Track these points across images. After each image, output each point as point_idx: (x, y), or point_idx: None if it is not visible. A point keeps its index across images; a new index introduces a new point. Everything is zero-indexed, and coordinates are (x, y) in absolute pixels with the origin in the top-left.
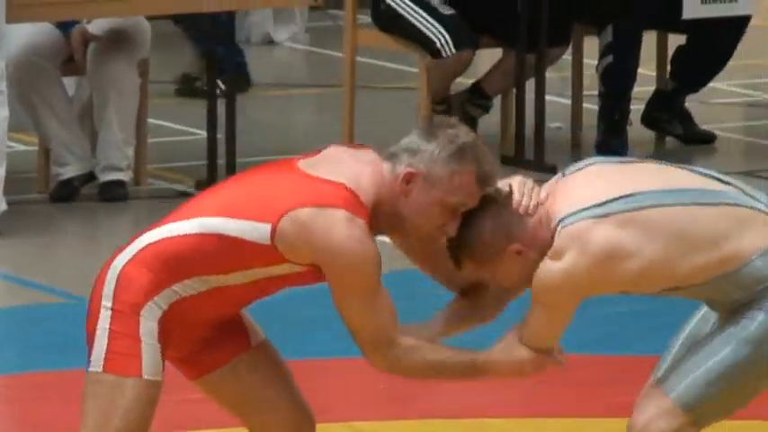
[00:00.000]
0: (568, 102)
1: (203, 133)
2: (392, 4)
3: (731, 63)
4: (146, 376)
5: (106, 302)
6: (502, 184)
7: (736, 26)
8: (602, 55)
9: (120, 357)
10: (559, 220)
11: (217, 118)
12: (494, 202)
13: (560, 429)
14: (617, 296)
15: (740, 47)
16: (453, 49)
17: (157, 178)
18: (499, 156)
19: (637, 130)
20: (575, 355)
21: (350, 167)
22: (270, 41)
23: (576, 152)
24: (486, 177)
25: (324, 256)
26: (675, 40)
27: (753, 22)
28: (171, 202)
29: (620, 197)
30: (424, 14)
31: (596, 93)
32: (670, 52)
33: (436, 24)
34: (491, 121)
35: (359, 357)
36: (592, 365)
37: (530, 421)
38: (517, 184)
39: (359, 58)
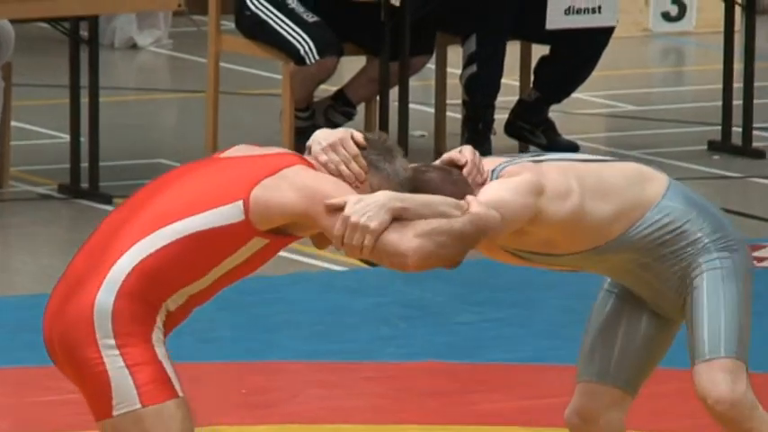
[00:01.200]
0: (432, 110)
1: (67, 137)
2: (256, 10)
3: (594, 74)
4: (180, 394)
5: (107, 341)
6: (454, 152)
7: (599, 37)
8: (466, 64)
9: (154, 386)
10: (492, 170)
11: (80, 121)
12: (449, 173)
13: None
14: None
15: (603, 58)
16: (317, 56)
17: (20, 181)
18: None
19: (500, 138)
20: (433, 362)
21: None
22: (133, 45)
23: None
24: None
25: (304, 201)
26: (539, 51)
27: (616, 33)
28: (33, 204)
29: (541, 157)
30: (288, 21)
31: (460, 102)
32: (533, 62)
33: (300, 31)
34: (356, 126)
35: (222, 362)
36: (452, 373)
37: (391, 428)
38: (469, 154)
39: (222, 64)
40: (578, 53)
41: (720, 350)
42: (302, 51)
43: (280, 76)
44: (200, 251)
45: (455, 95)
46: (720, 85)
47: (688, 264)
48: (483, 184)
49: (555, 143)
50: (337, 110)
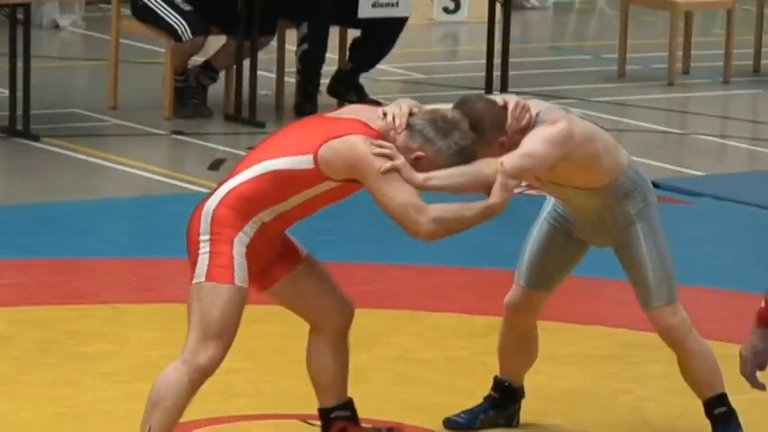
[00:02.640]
0: (274, 76)
1: (6, 91)
2: (146, 1)
3: (393, 50)
4: (237, 283)
5: (204, 236)
6: (500, 99)
7: (398, 23)
8: (300, 43)
9: (218, 269)
10: (536, 114)
11: (16, 80)
12: (493, 104)
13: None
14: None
15: (399, 39)
16: (190, 36)
17: None
18: (224, 114)
19: (324, 98)
20: None
21: (368, 112)
22: (56, 26)
23: (279, 113)
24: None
25: (355, 167)
26: (352, 33)
27: (409, 22)
28: None
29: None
30: (170, 9)
31: (295, 70)
32: (348, 42)
33: (178, 17)
34: (218, 88)
35: (119, 257)
36: None
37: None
38: (513, 102)
39: (121, 40)
40: (382, 35)
41: (666, 297)
42: (179, 32)
43: (163, 50)
44: (279, 184)
45: (291, 66)
46: (484, 61)
47: (636, 211)
48: (527, 127)
49: (363, 101)
50: (205, 75)
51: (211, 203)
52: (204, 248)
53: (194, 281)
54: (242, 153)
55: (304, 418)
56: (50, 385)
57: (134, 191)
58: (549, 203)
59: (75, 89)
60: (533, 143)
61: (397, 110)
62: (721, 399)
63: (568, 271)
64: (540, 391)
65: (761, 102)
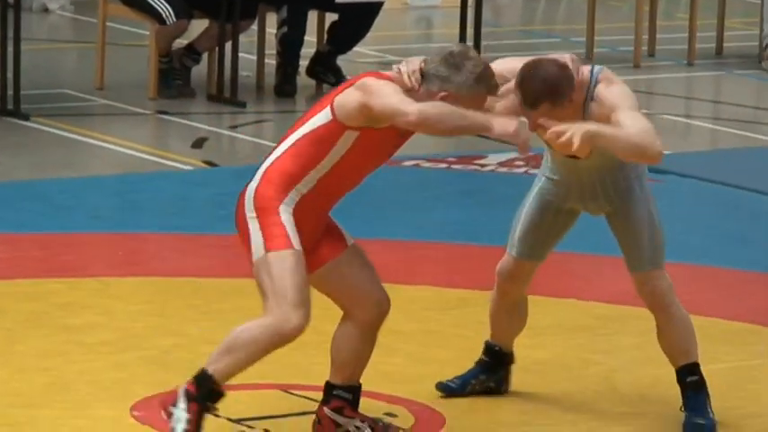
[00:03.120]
0: (255, 58)
1: None
2: None
3: (369, 34)
4: (296, 247)
5: (250, 214)
6: (559, 56)
7: (374, 8)
8: (279, 26)
9: (275, 238)
10: (590, 71)
11: (6, 62)
12: (567, 67)
13: None
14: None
15: (375, 23)
16: (174, 19)
17: None
18: (206, 94)
19: (303, 79)
20: None
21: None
22: (45, 10)
23: (259, 93)
24: (491, 88)
25: (362, 94)
26: (330, 17)
27: (384, 6)
28: None
29: None
30: None
31: (275, 52)
32: (326, 25)
33: (163, 2)
34: (201, 69)
35: (105, 232)
36: None
37: (225, 280)
38: (570, 60)
39: (108, 24)
40: (358, 19)
41: (657, 262)
42: (164, 15)
43: (148, 32)
44: (310, 147)
45: (271, 48)
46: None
47: (636, 175)
48: (581, 82)
49: (340, 82)
50: (188, 57)
51: (252, 185)
52: (254, 225)
53: (255, 257)
54: (224, 132)
55: (284, 388)
56: (40, 356)
57: (120, 168)
58: (541, 178)
59: (64, 70)
60: (630, 99)
61: (408, 67)
62: (694, 367)
63: (558, 240)
64: (515, 361)
65: (723, 83)
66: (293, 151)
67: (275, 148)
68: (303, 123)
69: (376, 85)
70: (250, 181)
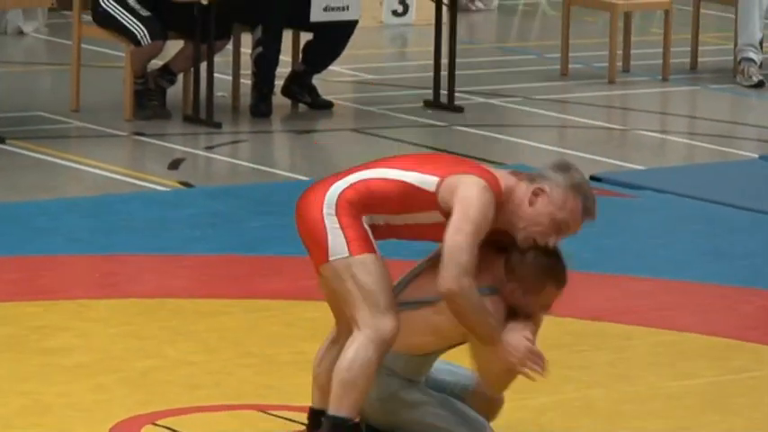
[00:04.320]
0: (230, 78)
1: None
2: (106, 7)
3: (344, 52)
4: (378, 252)
5: (329, 210)
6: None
7: (348, 26)
8: (255, 46)
9: (359, 242)
10: None
11: None
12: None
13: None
14: (258, 216)
15: (350, 42)
16: (149, 40)
17: None
18: (182, 115)
19: (278, 99)
20: (231, 255)
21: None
22: (20, 32)
23: (235, 114)
24: (588, 210)
25: (459, 197)
26: (305, 36)
27: (359, 25)
28: None
29: None
30: (129, 15)
31: (250, 72)
32: (302, 44)
33: (137, 22)
34: (176, 90)
35: (82, 254)
36: (242, 263)
37: (203, 301)
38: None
39: (83, 45)
40: (333, 38)
41: None
42: (138, 36)
43: (123, 54)
44: (400, 195)
45: (246, 68)
46: (432, 61)
47: None
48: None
49: (316, 101)
50: (163, 78)
51: (341, 185)
52: (333, 223)
53: (333, 257)
54: (200, 153)
55: (262, 409)
56: (17, 379)
57: (96, 190)
58: None
59: (39, 93)
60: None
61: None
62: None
63: None
64: None
65: (698, 98)
66: (390, 185)
67: (376, 163)
68: (415, 165)
69: (473, 215)
70: (337, 178)
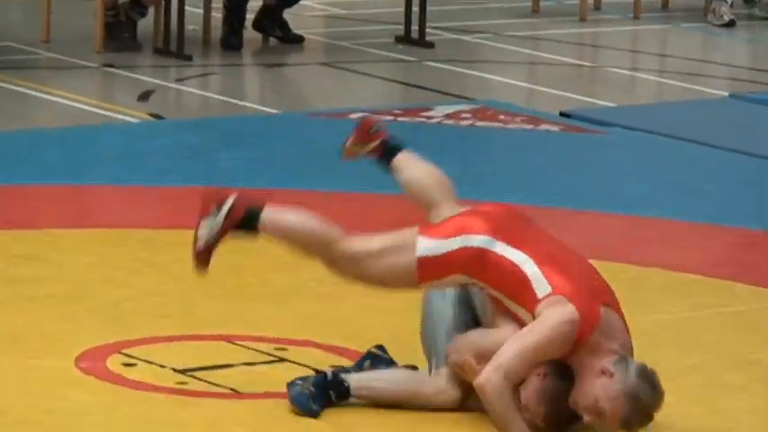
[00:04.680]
0: (201, 11)
1: None
2: None
3: None
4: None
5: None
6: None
7: None
8: None
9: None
10: None
11: None
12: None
13: None
14: (228, 149)
15: None
16: None
17: None
18: (153, 47)
19: (249, 32)
20: (201, 186)
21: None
22: None
23: (206, 47)
24: (628, 423)
25: (546, 314)
26: None
27: None
28: None
29: None
30: None
31: (221, 6)
32: None
33: None
34: (147, 23)
35: (53, 184)
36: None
37: (176, 231)
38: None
39: None
40: None
41: None
42: None
43: None
44: (511, 281)
45: (218, 1)
46: None
47: None
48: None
49: (287, 36)
50: (135, 10)
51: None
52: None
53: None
54: (171, 85)
55: (229, 339)
56: None
57: (66, 121)
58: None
59: (9, 23)
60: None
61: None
62: None
63: None
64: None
65: (669, 36)
66: (508, 266)
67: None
68: (544, 261)
69: (542, 334)
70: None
